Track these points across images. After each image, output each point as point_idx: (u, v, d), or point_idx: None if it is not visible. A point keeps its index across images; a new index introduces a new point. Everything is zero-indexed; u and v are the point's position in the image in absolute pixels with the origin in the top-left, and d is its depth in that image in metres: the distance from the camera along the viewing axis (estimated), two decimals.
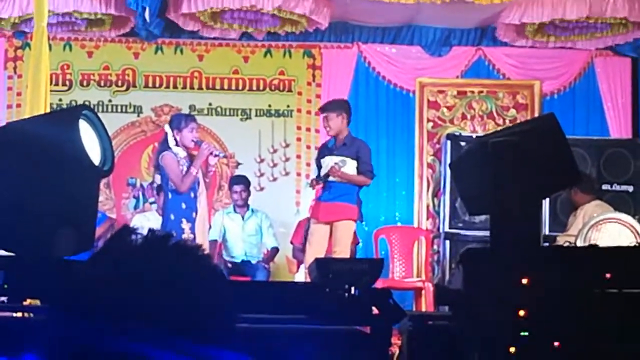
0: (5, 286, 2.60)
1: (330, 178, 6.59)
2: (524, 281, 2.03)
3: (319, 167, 6.81)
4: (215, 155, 6.45)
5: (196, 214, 6.28)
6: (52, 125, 2.61)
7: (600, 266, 2.14)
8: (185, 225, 6.18)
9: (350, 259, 6.25)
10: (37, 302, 2.97)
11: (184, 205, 6.21)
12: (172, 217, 6.20)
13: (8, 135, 2.71)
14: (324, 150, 6.80)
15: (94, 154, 2.66)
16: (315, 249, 6.53)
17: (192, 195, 6.26)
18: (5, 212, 2.64)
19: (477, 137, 8.51)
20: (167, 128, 6.40)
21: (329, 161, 6.63)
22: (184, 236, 6.16)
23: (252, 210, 8.14)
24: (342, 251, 6.56)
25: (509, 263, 2.11)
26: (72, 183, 2.61)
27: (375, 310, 2.45)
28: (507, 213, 2.25)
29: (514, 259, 2.10)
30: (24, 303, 2.77)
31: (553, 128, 2.57)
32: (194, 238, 6.19)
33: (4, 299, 2.78)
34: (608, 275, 2.08)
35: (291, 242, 8.14)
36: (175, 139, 6.28)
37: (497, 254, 2.18)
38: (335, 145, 6.68)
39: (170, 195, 6.25)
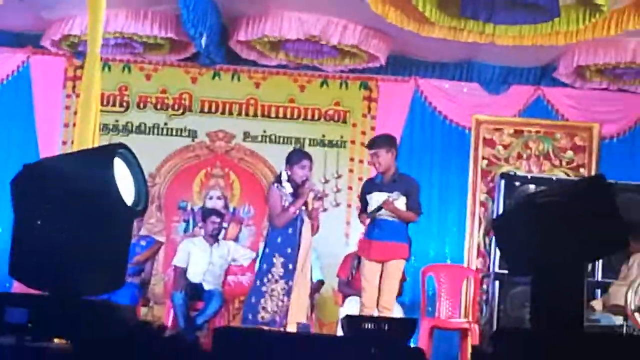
0: (30, 324, 2.59)
1: (381, 213, 6.48)
2: None
3: (365, 202, 6.71)
4: (319, 198, 6.45)
5: (293, 250, 6.22)
6: (86, 164, 2.59)
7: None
8: (277, 259, 6.18)
9: (382, 317, 6.14)
10: (62, 341, 2.95)
11: (279, 240, 6.22)
12: (267, 250, 6.23)
13: (42, 171, 2.70)
14: (372, 186, 6.69)
15: (128, 193, 2.64)
16: (372, 287, 6.46)
17: (291, 231, 6.24)
18: (35, 250, 2.63)
19: (531, 177, 8.38)
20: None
21: (377, 198, 6.53)
22: (274, 270, 6.14)
23: None
24: (392, 289, 6.49)
25: (545, 345, 2.00)
26: (104, 222, 2.59)
27: None
28: (550, 279, 2.15)
29: (552, 341, 2.00)
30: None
31: (603, 190, 2.47)
32: (284, 272, 6.14)
33: (28, 337, 2.75)
34: None
35: (337, 275, 8.05)
36: (287, 174, 6.31)
37: (533, 336, 2.08)
38: (383, 181, 6.58)
39: (270, 229, 6.30)
